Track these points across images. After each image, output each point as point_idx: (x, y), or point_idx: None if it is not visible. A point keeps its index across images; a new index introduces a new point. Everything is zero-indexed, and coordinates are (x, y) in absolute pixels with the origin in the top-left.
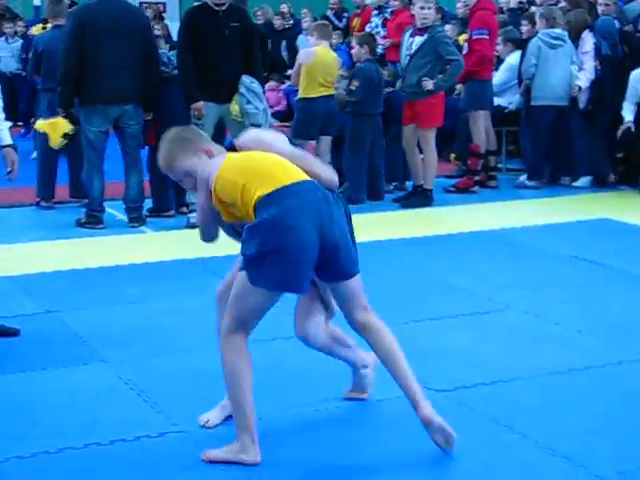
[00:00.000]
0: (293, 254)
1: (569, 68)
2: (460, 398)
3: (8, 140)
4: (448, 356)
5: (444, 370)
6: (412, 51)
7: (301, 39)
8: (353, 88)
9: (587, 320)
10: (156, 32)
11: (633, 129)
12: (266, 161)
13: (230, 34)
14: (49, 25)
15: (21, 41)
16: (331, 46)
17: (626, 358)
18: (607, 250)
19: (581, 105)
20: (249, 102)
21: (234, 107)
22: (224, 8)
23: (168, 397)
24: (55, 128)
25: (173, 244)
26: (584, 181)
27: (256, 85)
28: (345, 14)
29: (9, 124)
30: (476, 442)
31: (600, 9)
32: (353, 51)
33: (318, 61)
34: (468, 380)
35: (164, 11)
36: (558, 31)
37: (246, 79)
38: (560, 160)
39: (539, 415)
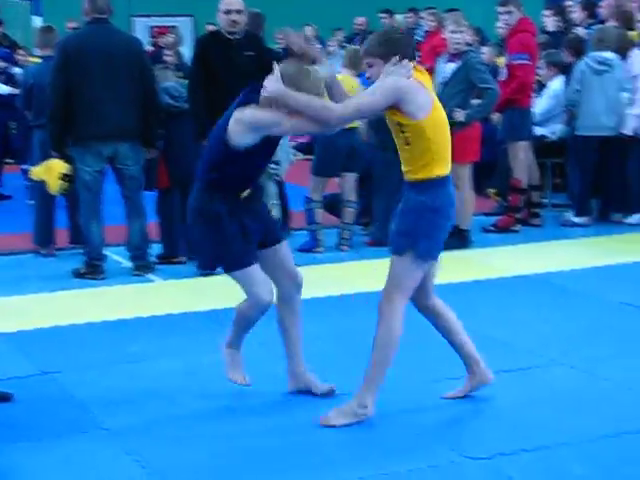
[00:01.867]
0: (446, 233)
1: (617, 95)
2: (498, 467)
3: None
4: (485, 419)
5: (481, 435)
6: (446, 79)
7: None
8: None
9: None
10: (168, 58)
11: None
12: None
13: (245, 64)
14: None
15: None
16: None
17: None
18: None
19: (628, 133)
20: None
21: None
22: (238, 36)
23: (176, 470)
24: (50, 172)
25: (184, 294)
26: (638, 218)
27: None
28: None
29: None
30: None
31: None
32: None
33: None
34: (507, 446)
35: None
36: (606, 55)
37: None
38: (611, 194)
39: None
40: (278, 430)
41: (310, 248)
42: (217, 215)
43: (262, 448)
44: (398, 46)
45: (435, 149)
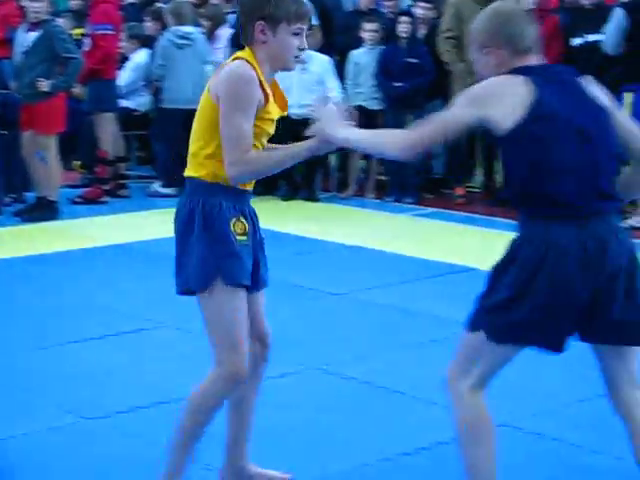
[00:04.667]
0: None
1: (201, 69)
2: (120, 424)
3: None
4: (102, 380)
5: (99, 395)
6: (26, 48)
7: None
8: None
9: None
10: None
11: None
12: None
13: None
14: None
15: None
16: None
17: None
18: None
19: None
20: None
21: None
22: None
23: None
24: None
25: None
26: None
27: None
28: None
29: None
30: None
31: None
32: None
33: None
34: (125, 404)
35: None
36: (186, 29)
37: None
38: None
39: None
40: None
41: None
42: None
43: None
44: None
45: None
